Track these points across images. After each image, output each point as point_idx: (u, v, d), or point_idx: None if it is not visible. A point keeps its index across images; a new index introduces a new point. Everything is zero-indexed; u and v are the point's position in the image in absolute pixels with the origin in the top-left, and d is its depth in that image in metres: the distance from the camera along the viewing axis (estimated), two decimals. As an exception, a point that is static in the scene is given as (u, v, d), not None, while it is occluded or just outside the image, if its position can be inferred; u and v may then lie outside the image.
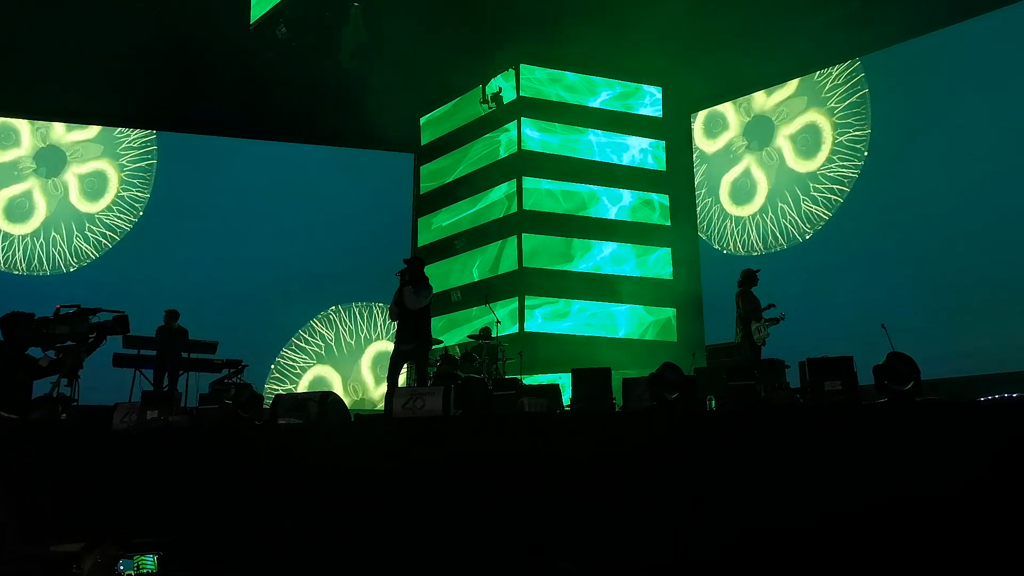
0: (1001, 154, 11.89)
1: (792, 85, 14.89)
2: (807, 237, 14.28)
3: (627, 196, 15.88)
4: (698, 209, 16.04)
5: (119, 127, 16.54)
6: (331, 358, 16.73)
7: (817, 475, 5.47)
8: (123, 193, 16.42)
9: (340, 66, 13.70)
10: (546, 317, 14.76)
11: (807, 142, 14.47)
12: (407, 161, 18.10)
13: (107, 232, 16.28)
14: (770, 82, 15.06)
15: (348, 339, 16.92)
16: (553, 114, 15.68)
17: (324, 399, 7.68)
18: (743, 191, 15.37)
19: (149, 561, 2.89)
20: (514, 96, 15.58)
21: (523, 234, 15.01)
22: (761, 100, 15.33)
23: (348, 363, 16.88)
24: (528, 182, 15.23)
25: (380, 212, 17.24)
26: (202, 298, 14.61)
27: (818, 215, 14.19)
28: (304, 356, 16.67)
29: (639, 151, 16.23)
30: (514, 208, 15.24)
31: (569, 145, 15.71)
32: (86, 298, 15.21)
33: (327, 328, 16.86)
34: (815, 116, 14.43)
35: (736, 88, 15.48)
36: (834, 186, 14.01)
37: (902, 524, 5.16)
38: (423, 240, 17.43)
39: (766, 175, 15.07)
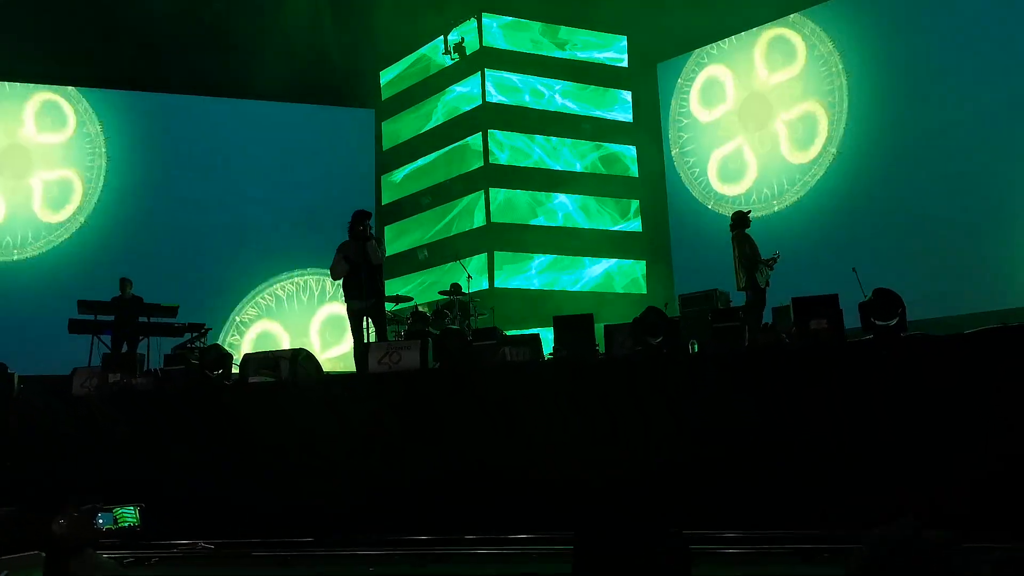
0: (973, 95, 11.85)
1: (799, 64, 14.01)
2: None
3: (593, 148, 15.66)
4: (685, 173, 15.48)
5: (60, 85, 15.65)
6: (280, 313, 16.21)
7: (804, 414, 5.44)
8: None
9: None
10: (515, 272, 14.59)
11: (801, 132, 13.81)
12: (368, 117, 17.55)
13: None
14: (737, 28, 14.83)
15: (301, 296, 16.32)
16: (517, 65, 15.32)
17: (296, 356, 7.40)
18: (732, 171, 14.70)
19: (130, 513, 2.65)
20: (477, 47, 15.15)
21: (490, 188, 14.73)
22: (763, 77, 14.43)
23: (296, 321, 16.18)
24: (494, 135, 14.91)
25: (341, 170, 16.71)
26: (158, 263, 14.07)
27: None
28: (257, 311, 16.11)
29: (605, 102, 15.97)
30: (480, 163, 14.93)
31: (534, 97, 15.39)
32: (39, 266, 14.79)
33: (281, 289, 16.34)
34: (813, 106, 13.70)
35: (701, 37, 15.23)
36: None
37: (889, 458, 5.17)
38: (387, 198, 17.03)
39: (757, 160, 14.39)
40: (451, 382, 6.36)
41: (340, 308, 14.55)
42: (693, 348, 6.83)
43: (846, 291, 6.53)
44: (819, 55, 13.74)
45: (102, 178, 15.52)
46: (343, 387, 7.30)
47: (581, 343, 6.53)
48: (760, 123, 14.44)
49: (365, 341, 8.67)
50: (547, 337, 7.21)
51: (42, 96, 15.45)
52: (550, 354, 6.76)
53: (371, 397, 6.46)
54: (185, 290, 12.88)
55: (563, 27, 15.76)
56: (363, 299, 8.64)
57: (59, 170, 15.32)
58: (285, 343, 15.60)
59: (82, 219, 15.25)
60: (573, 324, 6.61)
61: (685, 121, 15.57)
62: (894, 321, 5.73)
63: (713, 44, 15.20)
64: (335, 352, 15.29)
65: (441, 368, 6.83)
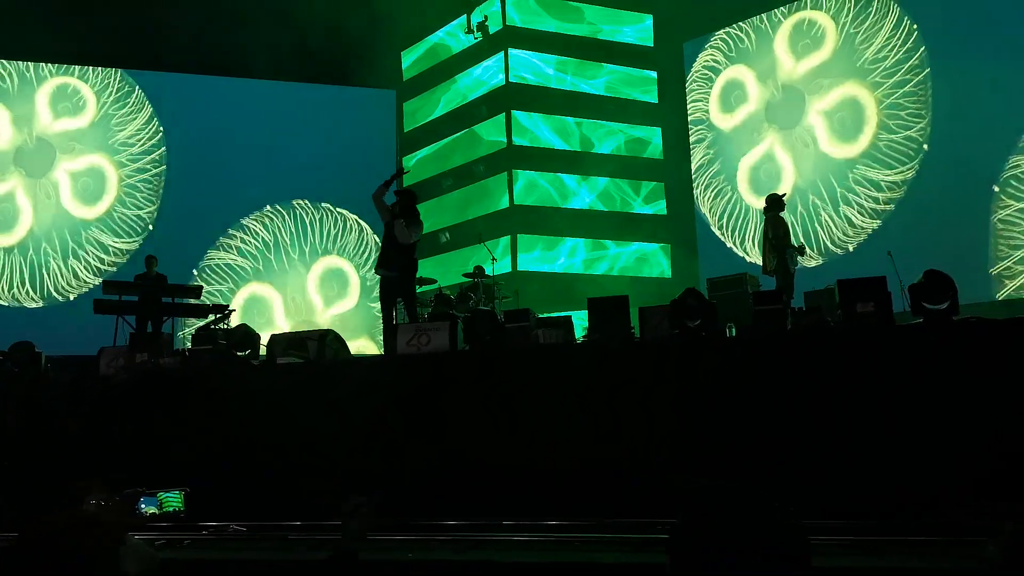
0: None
1: (828, 48, 12.87)
2: (850, 248, 12.07)
3: (618, 129, 15.40)
4: (713, 193, 14.59)
5: (83, 65, 15.57)
6: (267, 270, 15.29)
7: (851, 399, 5.27)
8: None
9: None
10: (539, 255, 14.42)
11: (845, 121, 12.34)
12: (389, 98, 17.37)
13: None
14: (765, 7, 14.46)
15: (289, 248, 15.48)
16: (540, 44, 15.06)
17: (323, 337, 7.31)
18: (765, 179, 13.30)
19: (175, 498, 2.52)
20: (500, 26, 14.91)
21: (513, 170, 14.54)
22: (789, 67, 13.23)
23: (287, 277, 15.50)
24: (517, 116, 14.69)
25: (361, 152, 16.55)
26: (180, 243, 14.03)
27: (859, 222, 12.08)
28: (234, 257, 15.21)
29: (630, 82, 15.68)
30: (503, 144, 14.73)
31: (558, 77, 15.14)
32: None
33: (266, 231, 15.32)
34: (856, 89, 12.26)
35: (728, 15, 14.87)
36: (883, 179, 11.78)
37: (942, 446, 4.99)
38: (407, 180, 16.83)
39: (794, 160, 13.02)
40: (483, 364, 6.22)
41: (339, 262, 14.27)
42: (730, 331, 6.65)
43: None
44: (850, 34, 13.18)
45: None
46: (372, 369, 7.19)
47: (616, 325, 6.37)
48: (792, 117, 13.29)
49: (393, 321, 8.59)
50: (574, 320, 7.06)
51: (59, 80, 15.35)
52: (583, 336, 6.60)
53: (400, 380, 6.34)
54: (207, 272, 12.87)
55: (587, 6, 15.47)
56: (388, 268, 8.51)
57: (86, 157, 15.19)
58: (277, 306, 15.16)
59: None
60: (608, 306, 6.45)
61: (708, 135, 14.79)
62: (945, 304, 5.53)
63: (736, 24, 14.82)
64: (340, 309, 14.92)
65: (472, 350, 6.69)
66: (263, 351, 7.43)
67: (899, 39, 12.25)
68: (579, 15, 15.47)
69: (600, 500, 5.03)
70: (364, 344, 14.77)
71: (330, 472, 5.84)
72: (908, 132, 12.07)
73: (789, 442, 5.13)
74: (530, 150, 14.73)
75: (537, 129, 14.87)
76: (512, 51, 14.83)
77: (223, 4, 14.10)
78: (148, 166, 15.31)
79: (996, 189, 11.23)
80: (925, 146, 11.90)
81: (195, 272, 14.81)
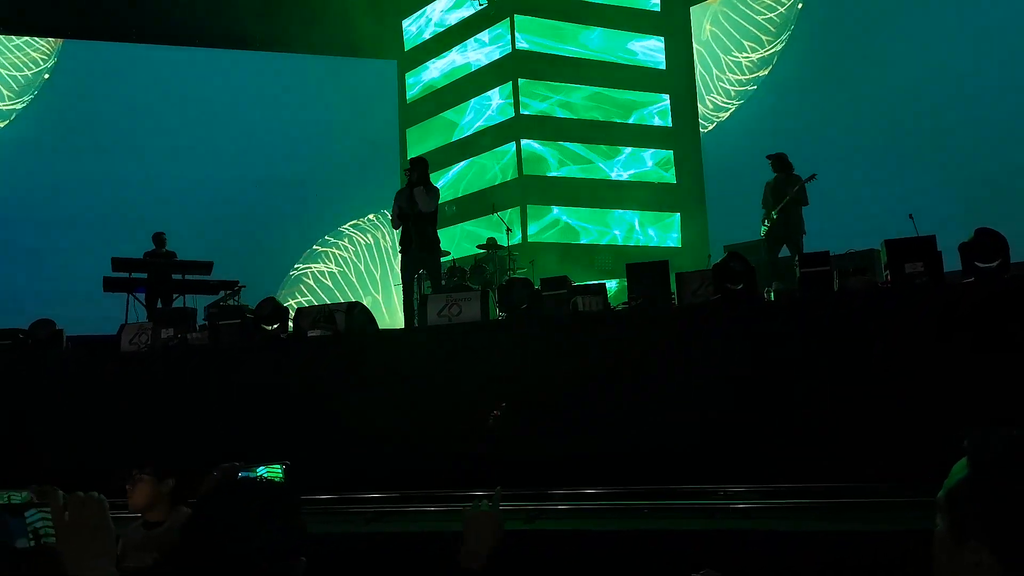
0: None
1: None
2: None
3: (626, 97, 15.17)
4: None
5: (75, 39, 15.16)
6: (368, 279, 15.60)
7: (906, 360, 5.19)
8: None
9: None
10: (548, 226, 14.27)
11: None
12: (390, 69, 17.06)
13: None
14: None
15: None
16: (546, 11, 14.75)
17: (351, 309, 7.17)
18: None
19: (276, 471, 2.38)
20: (505, -7, 14.62)
21: (522, 140, 14.32)
22: None
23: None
24: (524, 84, 14.43)
25: (364, 123, 16.29)
26: (186, 218, 13.75)
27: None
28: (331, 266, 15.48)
29: (637, 48, 15.43)
30: (511, 113, 14.49)
31: (564, 44, 14.85)
32: (67, 216, 14.43)
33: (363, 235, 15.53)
34: None
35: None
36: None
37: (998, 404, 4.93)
38: (412, 151, 16.60)
39: None
40: (525, 332, 6.10)
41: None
42: (769, 295, 6.55)
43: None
44: None
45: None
46: (401, 341, 7.05)
47: (657, 290, 6.26)
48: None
49: (415, 295, 8.45)
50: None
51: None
52: (622, 303, 6.49)
53: (443, 351, 6.21)
54: (214, 247, 12.60)
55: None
56: (407, 251, 8.40)
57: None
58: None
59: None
60: (648, 271, 6.34)
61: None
62: (996, 263, 5.44)
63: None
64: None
65: (508, 320, 6.56)
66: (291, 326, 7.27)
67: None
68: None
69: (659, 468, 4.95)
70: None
71: (380, 445, 5.74)
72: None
73: (845, 404, 5.05)
74: (537, 119, 14.50)
75: (544, 97, 14.61)
76: (518, 17, 14.52)
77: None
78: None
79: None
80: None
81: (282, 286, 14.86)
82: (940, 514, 1.04)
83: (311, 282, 15.41)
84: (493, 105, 14.91)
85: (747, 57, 14.55)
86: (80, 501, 1.55)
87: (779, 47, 14.19)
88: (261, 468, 2.57)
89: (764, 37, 14.40)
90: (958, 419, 5.02)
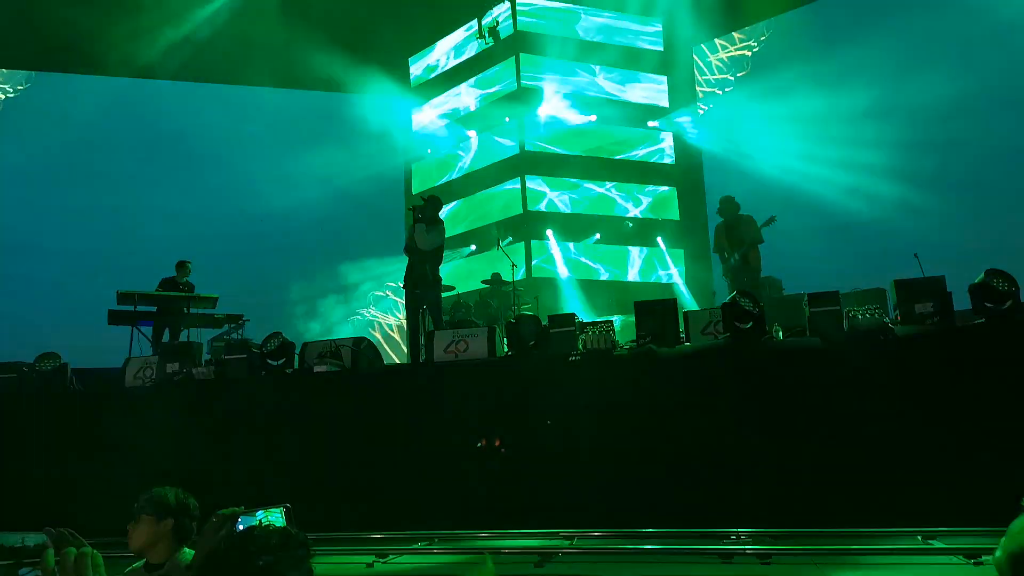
0: None
1: None
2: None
3: (629, 135, 15.28)
4: None
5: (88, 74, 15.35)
6: None
7: (918, 402, 5.14)
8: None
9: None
10: (552, 261, 14.28)
11: None
12: (397, 104, 17.23)
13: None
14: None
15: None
16: (551, 49, 14.91)
17: (357, 344, 7.13)
18: None
19: (276, 516, 2.33)
20: (511, 32, 14.83)
21: (526, 175, 14.41)
22: None
23: None
24: (530, 119, 14.57)
25: (370, 158, 16.43)
26: (183, 251, 13.80)
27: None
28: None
29: (641, 86, 15.58)
30: (515, 151, 14.61)
31: (569, 80, 15.01)
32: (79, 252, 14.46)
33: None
34: None
35: (737, 20, 14.86)
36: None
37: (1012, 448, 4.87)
38: (417, 187, 16.71)
39: None
40: (534, 370, 6.06)
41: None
42: (777, 335, 6.51)
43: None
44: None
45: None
46: (409, 377, 7.01)
47: (665, 329, 6.23)
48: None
49: (420, 330, 8.43)
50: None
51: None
52: (630, 342, 6.45)
53: (452, 386, 6.17)
54: (219, 279, 12.62)
55: (598, 10, 15.37)
56: (416, 285, 8.46)
57: None
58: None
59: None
60: (655, 309, 6.31)
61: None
62: (1008, 304, 5.43)
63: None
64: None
65: (516, 356, 6.52)
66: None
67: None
68: (589, 19, 15.35)
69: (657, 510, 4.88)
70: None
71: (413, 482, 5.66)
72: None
73: (862, 444, 5.00)
74: (541, 155, 14.60)
75: (548, 135, 14.74)
76: (524, 55, 14.71)
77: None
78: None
79: None
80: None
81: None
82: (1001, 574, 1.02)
83: (378, 334, 15.43)
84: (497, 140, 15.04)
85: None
86: (71, 557, 1.53)
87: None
88: (261, 512, 2.51)
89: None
90: (976, 462, 4.96)
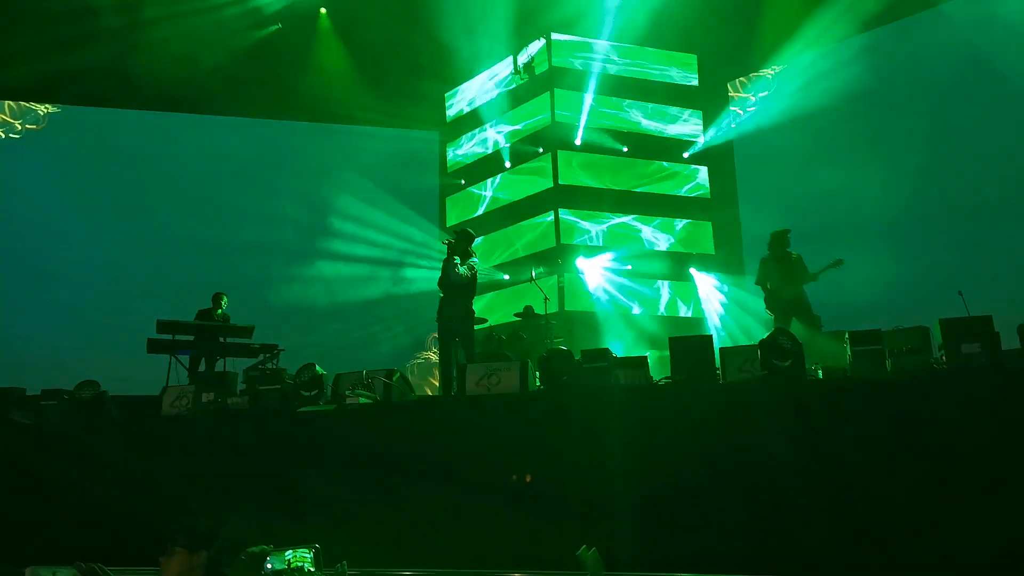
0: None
1: None
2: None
3: (663, 169, 15.26)
4: None
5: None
6: None
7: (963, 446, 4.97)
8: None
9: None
10: (585, 295, 14.21)
11: None
12: (431, 138, 17.52)
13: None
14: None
15: None
16: (586, 84, 15.03)
17: (390, 376, 7.15)
18: None
19: (305, 555, 2.31)
20: (546, 67, 14.99)
21: (559, 209, 14.44)
22: None
23: None
24: (563, 155, 14.65)
25: (406, 192, 16.67)
26: (228, 280, 14.05)
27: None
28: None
29: (676, 122, 15.58)
30: (549, 183, 14.67)
31: (603, 117, 15.09)
32: (111, 280, 14.83)
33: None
34: None
35: (771, 56, 14.82)
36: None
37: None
38: (451, 220, 16.83)
39: None
40: (567, 405, 6.00)
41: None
42: (817, 373, 6.37)
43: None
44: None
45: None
46: (441, 409, 6.99)
47: (700, 366, 6.14)
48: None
49: (452, 363, 8.43)
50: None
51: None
52: (665, 377, 6.36)
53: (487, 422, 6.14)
54: (254, 310, 12.82)
55: (632, 46, 15.46)
56: (449, 318, 8.51)
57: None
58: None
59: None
60: (691, 345, 6.23)
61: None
62: (1058, 345, 5.25)
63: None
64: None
65: (548, 391, 6.47)
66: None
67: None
68: (623, 55, 15.45)
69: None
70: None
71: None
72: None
73: (905, 491, 4.83)
74: (575, 188, 14.63)
75: (582, 168, 14.79)
76: (558, 91, 14.84)
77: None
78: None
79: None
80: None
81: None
82: None
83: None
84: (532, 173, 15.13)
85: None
86: None
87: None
88: (289, 552, 2.49)
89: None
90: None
